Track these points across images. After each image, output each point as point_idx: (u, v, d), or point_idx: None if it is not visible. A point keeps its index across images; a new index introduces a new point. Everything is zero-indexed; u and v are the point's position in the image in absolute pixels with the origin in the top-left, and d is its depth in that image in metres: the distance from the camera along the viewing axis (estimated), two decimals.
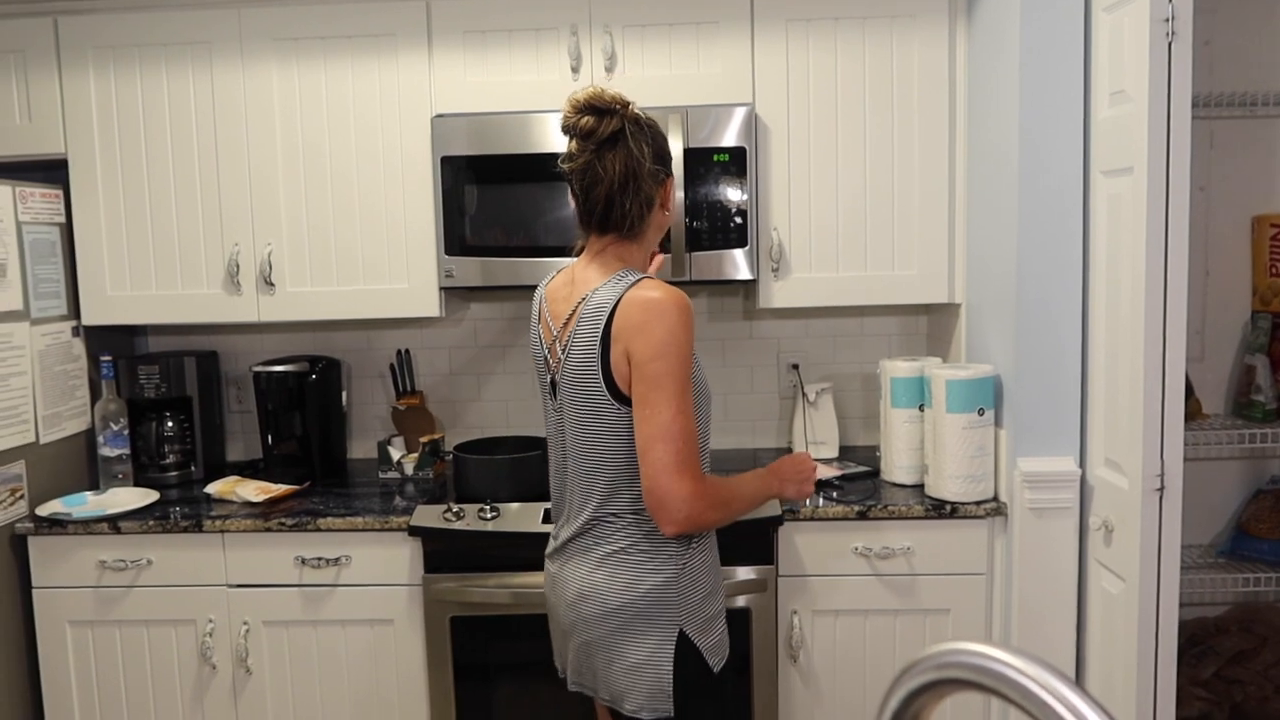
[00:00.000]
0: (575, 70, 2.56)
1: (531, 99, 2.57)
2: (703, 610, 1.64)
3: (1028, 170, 2.21)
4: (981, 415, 2.30)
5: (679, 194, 2.48)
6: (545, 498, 2.47)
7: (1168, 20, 1.87)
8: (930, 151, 2.57)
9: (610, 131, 1.60)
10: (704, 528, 1.59)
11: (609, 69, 2.56)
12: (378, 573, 2.39)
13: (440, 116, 2.53)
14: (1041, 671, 0.49)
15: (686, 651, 1.61)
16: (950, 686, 0.54)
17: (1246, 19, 2.64)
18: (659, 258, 1.93)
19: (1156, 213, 1.91)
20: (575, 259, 1.75)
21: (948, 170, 2.57)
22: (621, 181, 1.61)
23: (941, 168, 2.57)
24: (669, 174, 1.70)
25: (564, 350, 1.65)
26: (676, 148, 2.46)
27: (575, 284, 1.68)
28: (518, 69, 2.57)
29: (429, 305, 2.63)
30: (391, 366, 2.96)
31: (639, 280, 1.59)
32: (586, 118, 1.61)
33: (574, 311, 1.64)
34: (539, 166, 2.50)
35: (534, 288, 2.56)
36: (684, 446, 1.52)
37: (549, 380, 1.71)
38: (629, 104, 1.63)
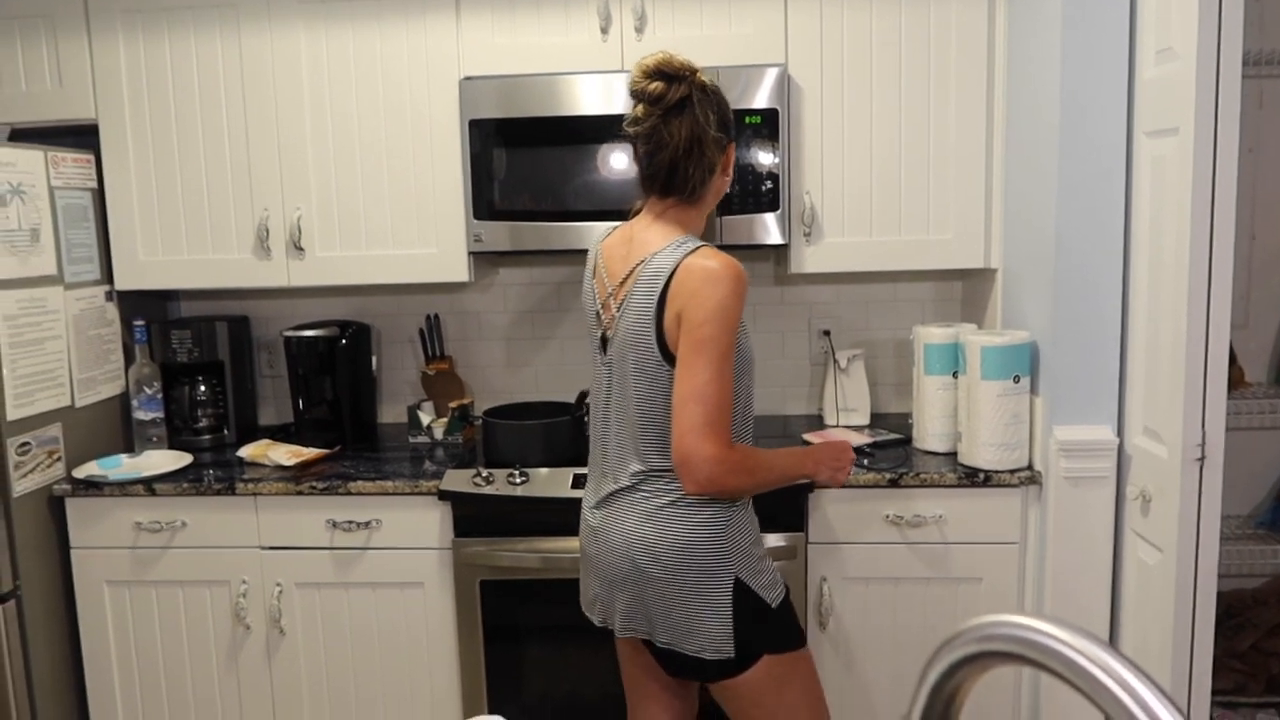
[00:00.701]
0: (605, 31, 2.52)
1: (560, 61, 2.53)
2: (751, 554, 1.70)
3: (1069, 132, 2.15)
4: (1017, 382, 2.26)
5: None
6: (574, 462, 2.47)
7: None
8: (967, 114, 2.51)
9: (678, 98, 1.65)
10: (726, 492, 1.61)
11: (639, 29, 2.52)
12: (408, 536, 2.40)
13: (468, 79, 2.50)
14: (1090, 645, 0.47)
15: (743, 594, 1.67)
16: (993, 659, 0.52)
17: None
18: None
19: (1203, 175, 1.85)
20: (633, 219, 1.80)
21: (985, 133, 2.51)
22: (686, 147, 1.65)
23: (979, 130, 2.51)
24: (731, 140, 1.72)
25: (619, 308, 1.71)
26: None
27: (633, 244, 1.73)
28: (546, 30, 2.53)
29: (458, 270, 2.61)
30: (421, 331, 2.96)
31: (698, 248, 1.64)
32: (655, 83, 1.66)
33: (631, 272, 1.69)
34: (568, 129, 2.46)
35: (563, 252, 2.54)
36: (714, 410, 1.56)
37: (600, 335, 1.77)
38: (696, 70, 1.68)
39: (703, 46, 2.51)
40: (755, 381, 2.94)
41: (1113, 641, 2.24)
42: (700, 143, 1.66)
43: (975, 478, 2.29)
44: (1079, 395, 2.21)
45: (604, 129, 2.46)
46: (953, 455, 2.44)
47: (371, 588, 2.44)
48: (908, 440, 2.58)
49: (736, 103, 2.44)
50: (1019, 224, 2.42)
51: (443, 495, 2.34)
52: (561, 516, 2.32)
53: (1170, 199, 1.95)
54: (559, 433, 2.51)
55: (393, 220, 2.62)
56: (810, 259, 2.56)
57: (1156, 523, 2.01)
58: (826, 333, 2.89)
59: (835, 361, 2.76)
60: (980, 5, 2.47)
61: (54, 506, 2.48)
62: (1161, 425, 2.00)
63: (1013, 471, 2.29)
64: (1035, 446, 2.30)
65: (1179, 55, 1.91)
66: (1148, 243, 2.07)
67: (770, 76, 2.44)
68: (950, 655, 0.54)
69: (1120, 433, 2.19)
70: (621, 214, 2.47)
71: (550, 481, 2.36)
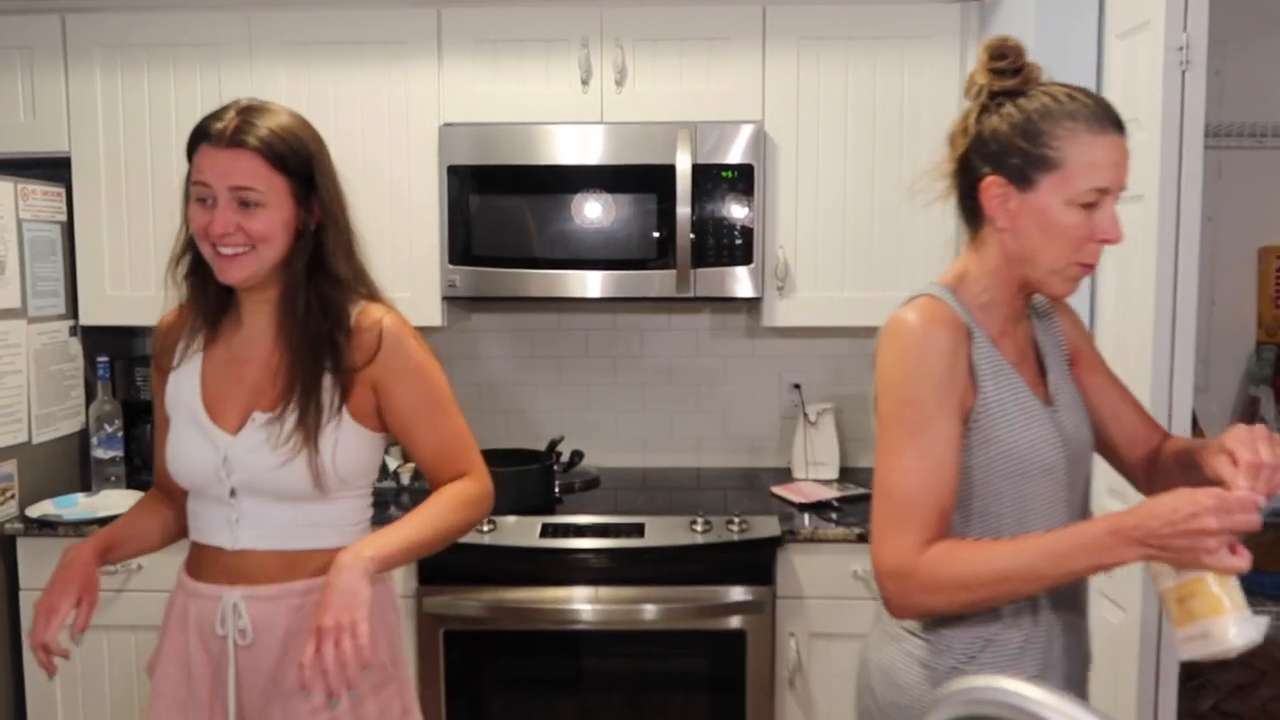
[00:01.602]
0: (585, 83, 2.55)
1: (540, 110, 2.56)
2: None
3: None
4: None
5: (684, 210, 2.46)
6: (543, 511, 2.45)
7: (1182, 49, 1.87)
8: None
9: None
10: (930, 613, 1.25)
11: (619, 82, 2.55)
12: None
13: (448, 125, 2.52)
14: (1075, 709, 0.48)
15: None
16: None
17: (1258, 50, 2.64)
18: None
19: (1167, 241, 1.89)
20: None
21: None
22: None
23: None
24: (995, 173, 1.28)
25: None
26: (684, 162, 2.44)
27: None
28: (527, 79, 2.56)
29: (431, 314, 2.61)
30: None
31: (917, 296, 1.32)
32: None
33: None
34: (545, 178, 2.48)
35: (537, 300, 2.54)
36: (893, 509, 1.21)
37: None
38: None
39: (681, 102, 2.55)
40: (718, 433, 2.94)
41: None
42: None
43: None
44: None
45: (581, 179, 2.48)
46: None
47: None
48: None
49: (713, 157, 2.47)
50: None
51: None
52: (530, 566, 2.29)
53: (1136, 264, 2.00)
54: (529, 481, 2.50)
55: (367, 263, 2.61)
56: (783, 313, 2.59)
57: (1120, 583, 2.03)
58: (797, 386, 2.90)
59: (805, 415, 2.78)
60: (953, 68, 2.53)
61: (5, 546, 2.41)
62: (1126, 487, 2.02)
63: None
64: None
65: (1144, 125, 1.97)
66: (1114, 306, 2.11)
67: (746, 132, 2.48)
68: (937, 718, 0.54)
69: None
70: (597, 263, 2.49)
71: (518, 530, 2.34)
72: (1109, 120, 1.23)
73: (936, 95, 2.54)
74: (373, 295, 1.53)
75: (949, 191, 1.40)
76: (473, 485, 1.51)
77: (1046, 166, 1.23)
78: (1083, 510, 1.37)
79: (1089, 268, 1.27)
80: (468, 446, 1.54)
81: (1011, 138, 1.25)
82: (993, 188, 1.28)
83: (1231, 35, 2.60)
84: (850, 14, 2.53)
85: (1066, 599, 1.33)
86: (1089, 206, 1.22)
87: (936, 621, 1.28)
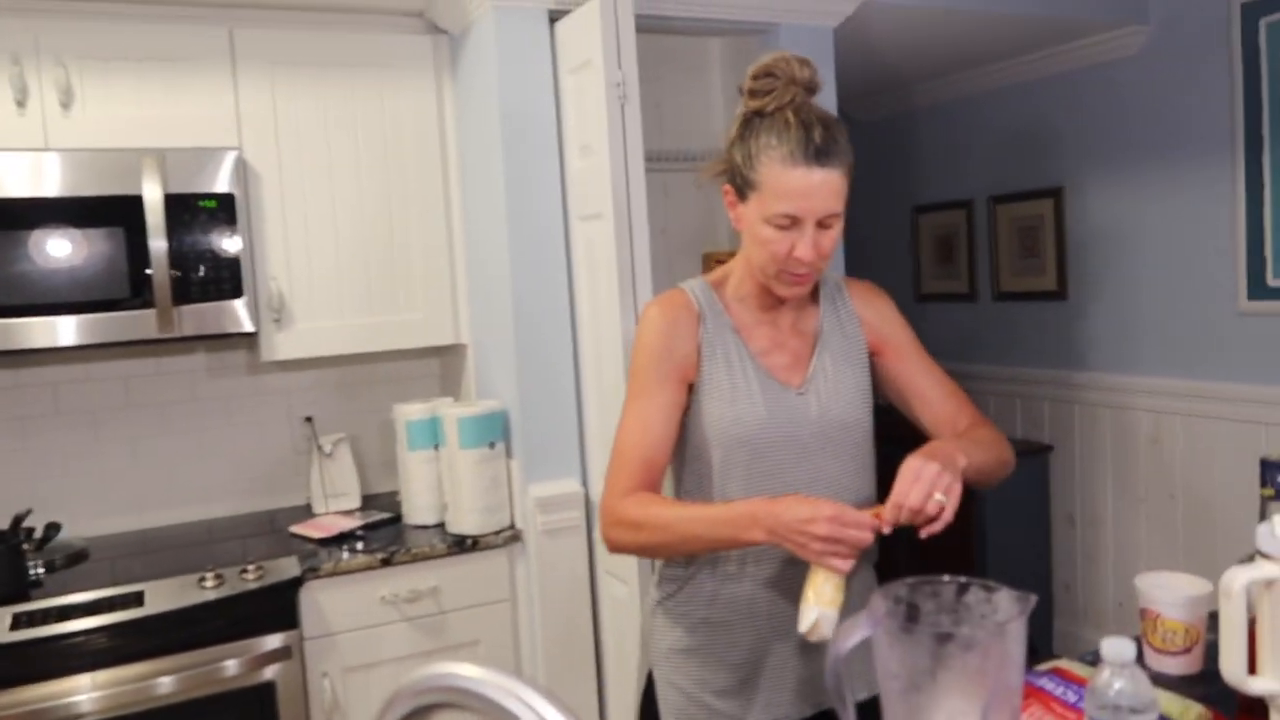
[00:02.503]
0: (21, 104, 2.25)
1: None
2: (677, 662, 1.48)
3: (515, 217, 2.37)
4: (493, 448, 2.41)
5: (159, 243, 2.27)
6: (14, 599, 2.11)
7: (619, 85, 2.13)
8: (426, 197, 2.65)
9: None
10: (620, 548, 1.43)
11: (65, 105, 2.28)
12: None
13: None
14: (506, 679, 0.53)
15: (649, 697, 1.52)
16: (429, 712, 0.56)
17: (688, 86, 3.08)
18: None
19: (624, 252, 2.15)
20: None
21: (444, 215, 2.67)
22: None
23: (439, 212, 2.66)
24: (731, 184, 1.43)
25: None
26: (153, 192, 2.26)
27: None
28: None
29: None
30: None
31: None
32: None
33: None
34: None
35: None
36: (614, 457, 1.44)
37: None
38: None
39: (146, 126, 2.35)
40: (229, 478, 2.76)
41: (599, 670, 2.45)
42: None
43: (464, 544, 2.38)
44: (548, 454, 2.41)
45: (36, 214, 2.18)
46: (441, 526, 2.51)
47: None
48: (398, 518, 2.61)
49: (189, 186, 2.32)
50: (483, 301, 2.60)
51: None
52: (5, 665, 1.96)
53: (602, 275, 2.24)
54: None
55: None
56: (282, 345, 2.50)
57: (620, 560, 2.26)
58: (308, 419, 2.82)
59: (319, 447, 2.71)
60: (430, 98, 2.63)
61: None
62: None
63: (497, 532, 2.42)
64: (515, 506, 2.46)
65: (596, 151, 2.21)
66: (590, 314, 2.35)
67: (226, 160, 2.36)
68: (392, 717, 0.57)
69: (585, 483, 2.43)
70: (61, 307, 2.20)
71: None
72: (807, 156, 1.32)
73: (418, 121, 2.62)
74: None
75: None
76: None
77: (751, 187, 1.38)
78: (847, 479, 1.45)
79: (798, 276, 1.39)
80: None
81: (736, 156, 1.40)
82: (727, 195, 1.44)
83: (665, 73, 3.01)
84: (322, 41, 2.51)
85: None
86: (787, 227, 1.35)
87: (663, 565, 1.51)
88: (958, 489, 1.26)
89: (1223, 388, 3.10)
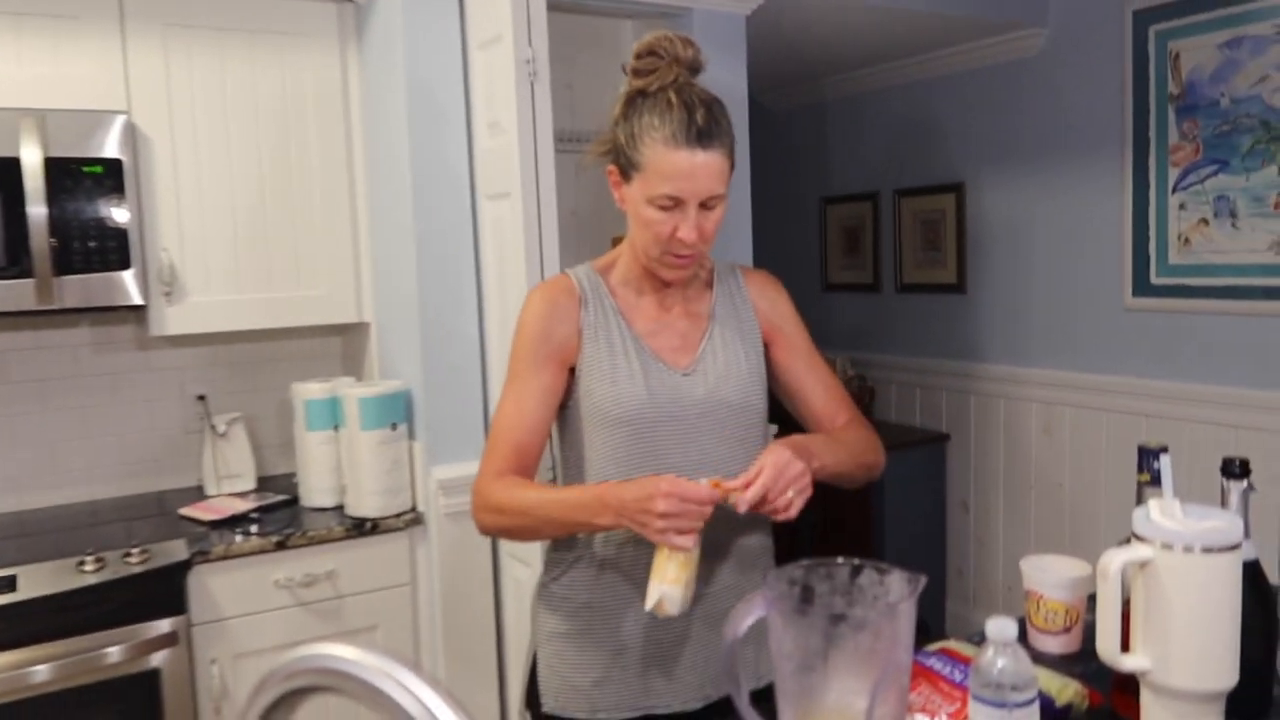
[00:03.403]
0: None
1: None
2: (558, 646, 1.48)
3: (421, 194, 2.32)
4: (395, 430, 2.36)
5: (38, 209, 2.15)
6: None
7: (529, 62, 2.09)
8: (330, 171, 2.57)
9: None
10: (484, 530, 1.44)
11: None
12: None
13: None
14: (380, 659, 0.51)
15: (533, 680, 1.52)
16: (302, 695, 0.54)
17: (600, 68, 3.06)
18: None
19: (532, 233, 2.12)
20: None
21: (348, 191, 2.60)
22: None
23: (342, 188, 2.59)
24: (613, 165, 1.42)
25: None
26: (32, 155, 2.14)
27: None
28: None
29: None
30: None
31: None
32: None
33: None
34: None
35: None
36: (488, 440, 1.44)
37: None
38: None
39: (25, 86, 2.22)
40: (114, 458, 2.65)
41: (500, 653, 2.43)
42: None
43: (363, 527, 2.33)
44: (452, 436, 2.37)
45: None
46: (340, 508, 2.45)
47: None
48: (295, 500, 2.53)
49: (73, 150, 2.20)
50: (387, 279, 2.54)
51: None
52: None
53: (510, 255, 2.21)
54: None
55: None
56: (174, 320, 2.40)
57: (526, 545, 2.24)
58: (202, 398, 2.72)
59: (212, 427, 2.61)
60: (334, 67, 2.55)
61: None
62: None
63: (398, 515, 2.37)
64: (417, 488, 2.42)
65: (505, 129, 2.17)
66: (497, 294, 2.31)
67: (114, 124, 2.25)
68: (259, 703, 0.54)
69: None
70: None
71: None
72: (689, 138, 1.31)
73: (321, 91, 2.54)
74: None
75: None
76: None
77: (634, 167, 1.36)
78: (735, 464, 1.38)
79: (681, 258, 1.38)
80: None
81: (620, 136, 1.37)
82: (611, 175, 1.43)
83: (579, 53, 2.98)
84: (220, 3, 2.41)
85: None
86: (670, 208, 1.33)
87: (549, 548, 1.52)
88: (810, 491, 1.30)
89: (1109, 380, 3.23)
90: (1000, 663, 0.98)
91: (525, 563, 2.24)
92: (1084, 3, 3.20)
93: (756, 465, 1.28)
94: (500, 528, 1.42)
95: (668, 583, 1.26)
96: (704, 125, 1.32)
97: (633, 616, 1.43)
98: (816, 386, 1.54)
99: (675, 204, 1.34)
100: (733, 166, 1.38)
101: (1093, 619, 1.32)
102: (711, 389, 1.44)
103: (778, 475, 1.26)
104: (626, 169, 1.38)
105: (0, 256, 2.14)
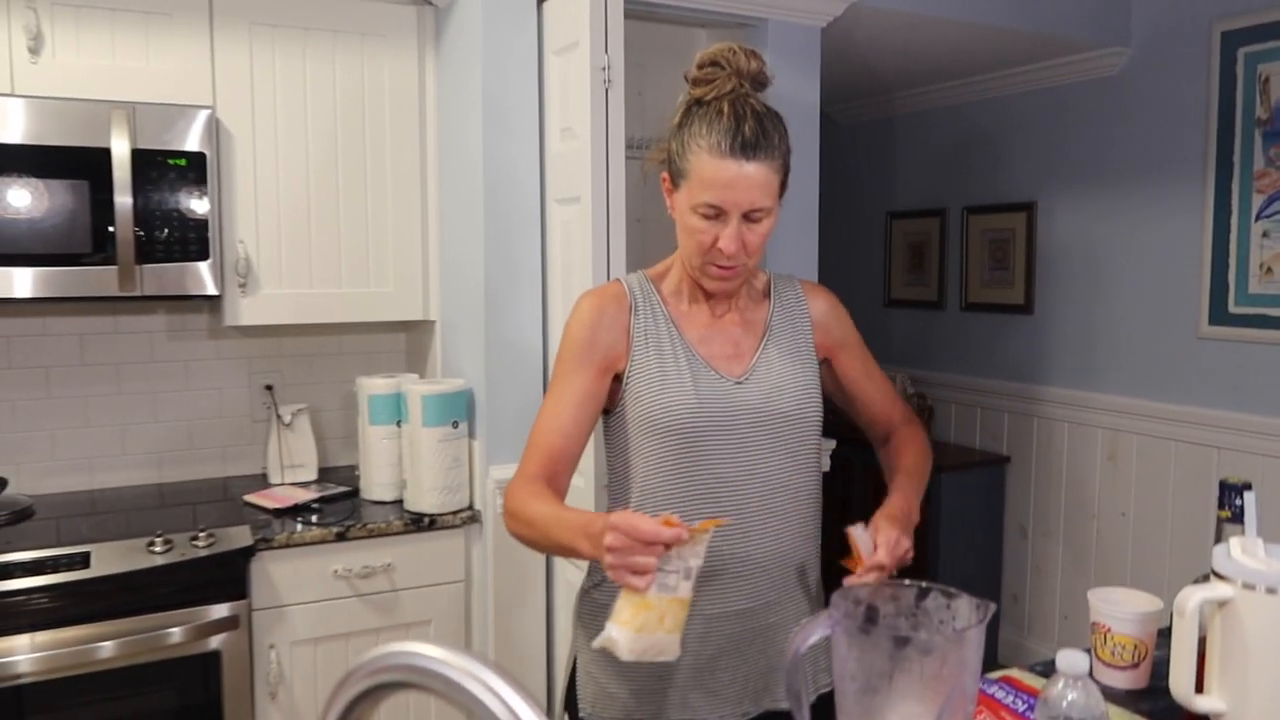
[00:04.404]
0: None
1: None
2: (596, 654, 1.41)
3: (492, 196, 2.34)
4: (456, 428, 2.38)
5: (125, 199, 2.22)
6: None
7: (604, 69, 2.11)
8: (403, 171, 2.61)
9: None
10: (513, 535, 1.39)
11: (34, 50, 2.22)
12: None
13: None
14: (464, 659, 0.52)
15: (572, 685, 1.50)
16: (382, 691, 0.55)
17: (671, 76, 3.07)
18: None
19: (600, 237, 2.13)
20: None
21: (420, 190, 2.64)
22: None
23: (414, 188, 2.63)
24: (668, 170, 1.42)
25: None
26: (121, 147, 2.21)
27: None
28: None
29: None
30: None
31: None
32: None
33: None
34: None
35: None
36: (527, 444, 1.43)
37: None
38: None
39: (115, 79, 2.30)
40: (184, 443, 2.71)
41: (549, 656, 2.44)
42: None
43: (421, 522, 2.36)
44: (511, 437, 2.39)
45: None
46: (399, 503, 2.48)
47: None
48: (355, 492, 2.57)
49: (158, 143, 2.26)
50: (454, 279, 2.57)
51: None
52: None
53: (576, 259, 2.22)
54: None
55: None
56: (247, 311, 2.46)
57: None
58: (269, 387, 2.78)
59: (279, 417, 2.67)
60: (411, 69, 2.59)
61: None
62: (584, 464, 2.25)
63: (455, 513, 2.40)
64: (475, 487, 2.44)
65: (577, 134, 2.19)
66: (562, 297, 2.33)
67: (199, 118, 2.31)
68: (346, 695, 0.55)
69: None
70: (19, 259, 2.15)
71: None
72: (733, 149, 1.31)
73: (398, 92, 2.59)
74: None
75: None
76: None
77: (681, 175, 1.37)
78: (786, 475, 1.42)
79: (723, 269, 1.38)
80: None
81: (673, 144, 1.39)
82: (664, 183, 1.43)
83: (649, 60, 2.99)
84: (306, 4, 2.47)
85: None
86: (712, 217, 1.34)
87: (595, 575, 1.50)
88: (909, 560, 1.32)
89: (1180, 409, 3.15)
90: (1070, 696, 0.96)
91: (579, 566, 2.25)
92: (1169, 23, 3.13)
93: (876, 550, 1.28)
94: (518, 535, 1.39)
95: (619, 624, 1.15)
96: (750, 137, 1.32)
97: None
98: (874, 391, 1.59)
99: (717, 213, 1.33)
100: (785, 180, 1.38)
101: (1162, 655, 1.29)
102: (766, 398, 1.42)
103: (890, 555, 1.28)
104: (675, 176, 1.38)
105: (87, 243, 2.21)
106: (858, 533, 1.30)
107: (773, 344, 1.47)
